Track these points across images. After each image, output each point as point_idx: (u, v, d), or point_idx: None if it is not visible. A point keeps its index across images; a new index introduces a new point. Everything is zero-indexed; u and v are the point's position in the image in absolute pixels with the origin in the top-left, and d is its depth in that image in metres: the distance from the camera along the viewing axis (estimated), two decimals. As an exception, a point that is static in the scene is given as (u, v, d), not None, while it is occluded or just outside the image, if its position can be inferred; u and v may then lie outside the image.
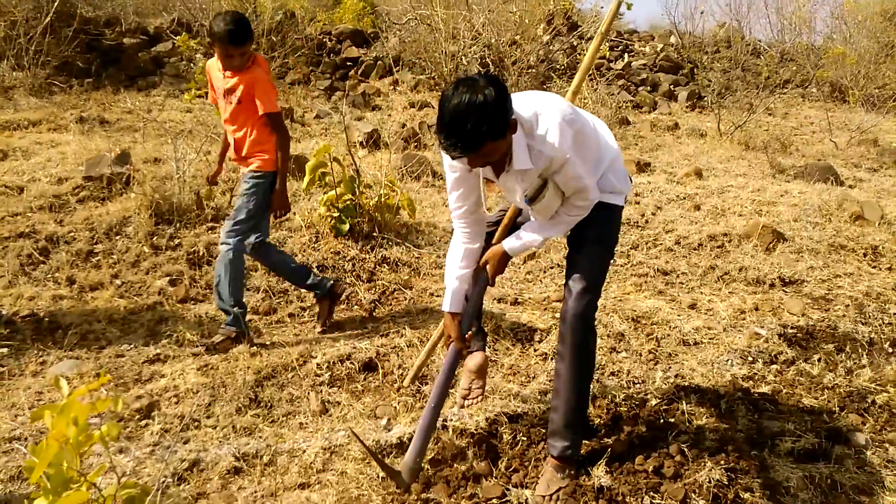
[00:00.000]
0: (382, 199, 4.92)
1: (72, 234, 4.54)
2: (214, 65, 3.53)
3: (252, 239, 3.60)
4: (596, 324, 3.56)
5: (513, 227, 2.78)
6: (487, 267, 2.64)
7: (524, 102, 2.31)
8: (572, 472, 2.54)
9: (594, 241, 2.56)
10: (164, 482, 2.50)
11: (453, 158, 2.27)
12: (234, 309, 3.56)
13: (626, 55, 13.00)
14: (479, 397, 2.82)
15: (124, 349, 3.50)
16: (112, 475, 2.53)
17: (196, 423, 2.93)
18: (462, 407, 2.92)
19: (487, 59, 10.35)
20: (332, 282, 3.94)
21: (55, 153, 6.04)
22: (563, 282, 2.61)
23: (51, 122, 7.28)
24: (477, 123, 2.11)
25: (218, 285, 3.55)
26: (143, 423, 2.92)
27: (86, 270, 4.25)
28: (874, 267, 5.05)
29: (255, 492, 2.54)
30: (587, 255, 2.55)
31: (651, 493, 2.45)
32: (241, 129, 3.54)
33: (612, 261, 2.71)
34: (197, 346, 3.55)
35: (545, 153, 2.28)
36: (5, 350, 3.45)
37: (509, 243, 2.59)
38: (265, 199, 3.56)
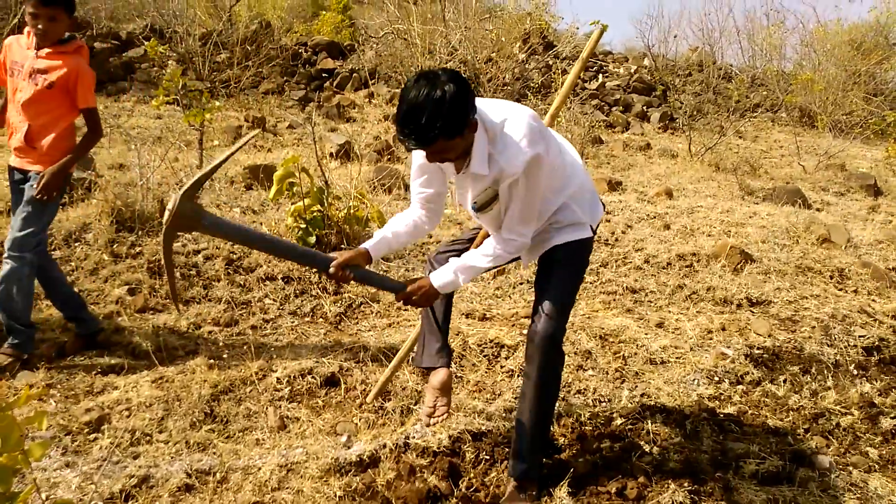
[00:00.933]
0: (351, 211, 4.85)
1: (28, 239, 4.39)
2: (19, 39, 3.26)
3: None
4: (564, 341, 3.54)
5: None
6: (409, 288, 2.50)
7: (496, 108, 2.27)
8: (534, 492, 2.49)
9: (564, 263, 2.52)
10: (107, 498, 2.39)
11: (408, 150, 2.24)
12: (27, 329, 3.30)
13: (600, 75, 13.14)
14: (444, 415, 2.76)
15: (77, 359, 3.37)
16: (58, 490, 2.43)
17: (147, 438, 2.82)
18: (428, 426, 2.85)
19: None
20: (100, 325, 3.62)
21: (16, 156, 5.88)
22: (533, 300, 2.56)
23: (14, 124, 7.10)
24: (431, 119, 2.07)
25: (7, 302, 3.22)
26: (93, 436, 2.81)
27: (41, 277, 4.11)
28: (840, 289, 5.10)
29: (206, 510, 2.45)
30: (556, 277, 2.51)
31: (614, 516, 2.41)
32: (40, 117, 3.20)
33: (580, 284, 2.67)
34: None
35: (500, 163, 2.24)
36: (-50, 358, 3.31)
37: (437, 278, 2.47)
38: (58, 204, 3.30)
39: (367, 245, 2.49)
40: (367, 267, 2.49)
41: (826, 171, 9.53)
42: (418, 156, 2.46)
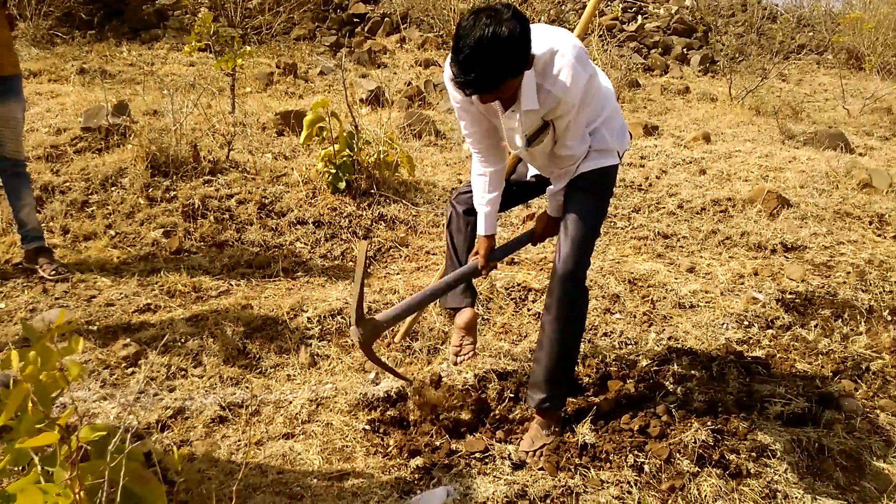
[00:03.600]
0: (381, 156, 4.85)
1: (67, 184, 4.51)
2: None
3: None
4: (591, 284, 3.53)
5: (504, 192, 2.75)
6: (536, 224, 2.70)
7: (538, 37, 2.18)
8: (557, 428, 2.53)
9: (585, 197, 2.49)
10: (142, 426, 2.50)
11: (467, 94, 2.16)
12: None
13: (639, 17, 12.72)
14: (471, 353, 2.80)
15: (114, 298, 3.49)
16: (97, 420, 2.54)
17: (183, 373, 2.93)
18: (454, 364, 2.90)
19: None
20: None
21: (55, 104, 5.99)
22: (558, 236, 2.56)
23: (52, 72, 7.21)
24: (499, 60, 1.99)
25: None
26: (130, 370, 2.92)
27: (80, 220, 4.23)
28: (879, 235, 4.96)
29: (239, 440, 2.54)
30: (578, 212, 2.48)
31: (635, 452, 2.44)
32: None
33: (604, 218, 2.65)
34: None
35: (554, 94, 2.17)
36: (-3, 297, 3.46)
37: (552, 209, 2.62)
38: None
39: (484, 231, 2.59)
40: (493, 235, 2.64)
41: (871, 115, 9.17)
42: (454, 100, 2.41)
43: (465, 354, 2.80)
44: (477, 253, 2.63)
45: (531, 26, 2.17)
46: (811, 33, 12.09)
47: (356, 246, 2.58)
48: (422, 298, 2.59)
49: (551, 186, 2.58)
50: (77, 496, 1.56)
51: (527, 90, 2.19)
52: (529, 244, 2.83)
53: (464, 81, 2.05)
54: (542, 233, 2.74)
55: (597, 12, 2.81)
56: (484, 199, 2.58)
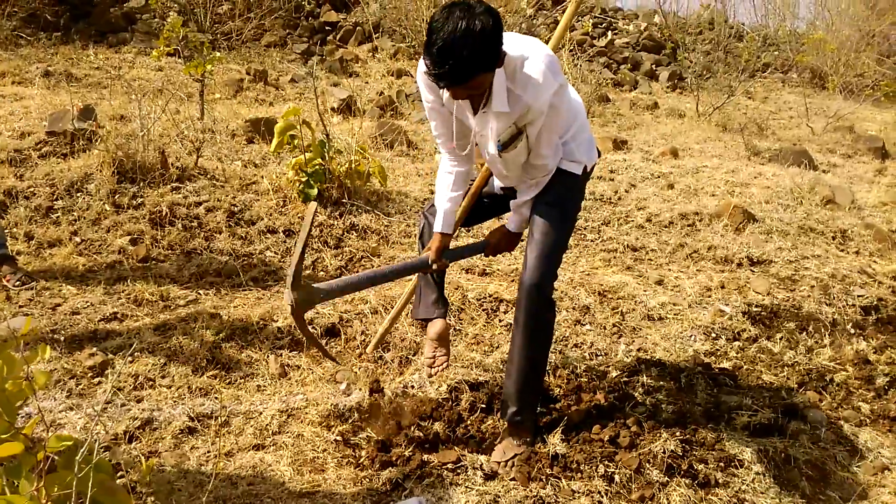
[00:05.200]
0: (353, 166, 4.84)
1: (31, 189, 4.41)
2: None
3: None
4: (561, 296, 3.56)
5: (476, 205, 2.76)
6: (490, 238, 2.68)
7: (512, 43, 2.21)
8: (528, 439, 2.54)
9: (551, 209, 2.51)
10: (109, 437, 2.44)
11: (440, 87, 2.16)
12: None
13: (609, 32, 12.91)
14: (444, 365, 2.80)
15: (80, 306, 3.41)
16: (63, 430, 2.48)
17: (150, 383, 2.87)
18: (429, 376, 2.90)
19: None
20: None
21: (18, 107, 5.85)
22: (525, 249, 2.58)
23: (15, 74, 7.05)
24: (473, 52, 2.01)
25: None
26: (96, 380, 2.86)
27: (45, 227, 4.14)
28: (842, 250, 5.09)
29: (209, 451, 2.50)
30: (545, 225, 2.50)
31: (606, 462, 2.46)
32: None
33: (572, 229, 2.67)
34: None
35: (524, 99, 2.20)
36: (-44, 304, 3.36)
37: (512, 224, 2.63)
38: None
39: (441, 229, 2.56)
40: (449, 234, 2.60)
41: (834, 133, 9.43)
42: (426, 101, 2.42)
43: (438, 366, 2.80)
44: (428, 249, 2.60)
45: (506, 34, 2.20)
46: (776, 52, 12.38)
47: (306, 208, 2.53)
48: (365, 279, 2.53)
49: (515, 200, 2.59)
50: (43, 508, 1.52)
51: (498, 91, 2.21)
52: (482, 254, 2.80)
53: (437, 73, 2.06)
54: (495, 245, 2.72)
55: (568, 28, 2.85)
56: (446, 195, 2.59)
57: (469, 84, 2.09)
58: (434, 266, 2.58)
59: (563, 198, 2.52)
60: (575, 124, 2.51)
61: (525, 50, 2.20)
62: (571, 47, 10.12)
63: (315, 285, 2.40)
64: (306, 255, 2.45)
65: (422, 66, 2.17)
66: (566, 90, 2.36)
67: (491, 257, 2.84)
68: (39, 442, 1.63)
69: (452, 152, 2.55)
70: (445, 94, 2.30)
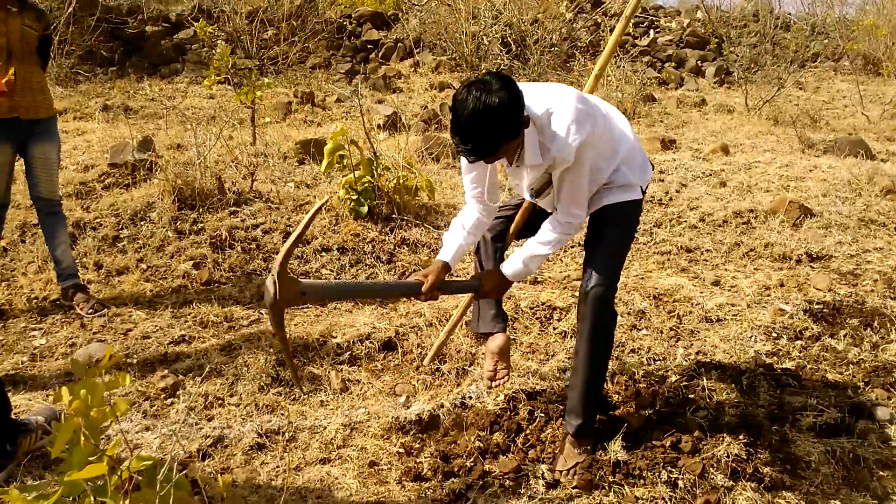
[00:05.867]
0: (401, 181, 4.92)
1: (98, 220, 4.63)
2: None
3: None
4: (616, 301, 3.55)
5: (528, 221, 2.80)
6: (482, 280, 2.65)
7: (536, 98, 2.29)
8: (589, 447, 2.55)
9: (614, 222, 2.55)
10: (186, 456, 2.55)
11: (469, 162, 2.30)
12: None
13: (651, 31, 12.79)
14: (506, 378, 2.83)
15: (150, 331, 3.57)
16: (140, 451, 2.60)
17: (220, 402, 2.99)
18: (489, 388, 2.94)
19: (509, 39, 10.27)
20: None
21: (81, 141, 6.15)
22: (584, 260, 2.60)
23: (76, 110, 7.41)
24: (493, 127, 2.12)
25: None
26: (169, 401, 2.99)
27: (112, 255, 4.34)
28: (905, 241, 4.93)
29: (278, 466, 2.59)
30: (607, 238, 2.54)
31: (668, 468, 2.45)
32: None
33: (631, 242, 2.69)
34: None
35: (552, 152, 2.29)
36: (37, 333, 3.55)
37: (509, 268, 2.60)
38: None
39: (444, 258, 2.60)
40: (447, 263, 2.60)
41: (891, 121, 9.13)
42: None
43: (500, 379, 2.82)
44: (424, 275, 2.54)
45: (529, 85, 2.32)
46: (826, 41, 12.07)
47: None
48: (354, 289, 2.57)
49: (532, 240, 2.58)
50: (129, 526, 1.62)
51: (530, 146, 2.31)
52: (472, 292, 2.73)
53: (464, 150, 2.18)
54: (486, 291, 2.65)
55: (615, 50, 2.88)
56: (462, 231, 2.65)
57: (496, 154, 2.20)
58: (423, 297, 2.53)
59: (620, 219, 2.55)
60: (621, 151, 2.53)
61: (551, 104, 2.28)
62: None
63: (302, 281, 2.34)
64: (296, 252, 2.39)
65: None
66: (599, 129, 2.37)
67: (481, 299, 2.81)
68: (121, 462, 1.73)
69: (481, 203, 2.64)
70: None
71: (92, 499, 1.66)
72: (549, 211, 2.63)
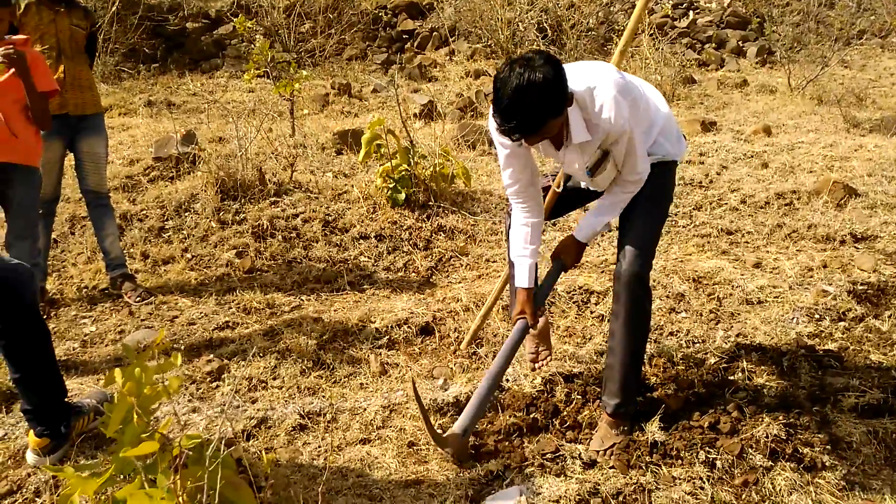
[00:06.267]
0: (437, 169, 4.96)
1: (144, 211, 4.77)
2: None
3: None
4: (654, 284, 3.54)
5: (560, 198, 2.80)
6: (562, 257, 2.67)
7: (575, 76, 2.28)
8: (626, 427, 2.56)
9: (647, 199, 2.54)
10: (231, 436, 2.64)
11: (513, 140, 2.26)
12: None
13: (690, 12, 12.55)
14: (548, 359, 2.85)
15: (195, 317, 3.68)
16: (188, 431, 2.70)
17: (263, 384, 3.08)
18: (533, 370, 2.96)
19: (545, 24, 10.20)
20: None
21: (126, 136, 6.34)
22: (618, 237, 2.60)
23: (121, 106, 7.62)
24: (538, 103, 2.09)
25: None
26: (214, 384, 3.09)
27: (158, 245, 4.48)
28: (956, 220, 4.78)
29: (320, 446, 2.66)
30: (641, 215, 2.54)
31: (706, 448, 2.44)
32: None
33: (666, 219, 2.68)
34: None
35: (602, 127, 2.27)
36: (87, 321, 3.70)
37: (581, 232, 2.62)
38: None
39: (524, 284, 2.61)
40: (532, 288, 2.65)
41: (944, 97, 8.83)
42: (503, 146, 2.48)
43: (542, 360, 2.84)
44: (522, 312, 2.61)
45: (568, 65, 2.28)
46: (872, 17, 11.68)
47: (412, 379, 2.63)
48: (487, 390, 2.55)
49: (597, 202, 2.60)
50: (179, 500, 1.69)
51: (575, 124, 2.28)
52: (562, 273, 2.80)
53: (508, 128, 2.15)
54: (570, 264, 2.71)
55: (646, 12, 2.86)
56: (527, 250, 2.63)
57: (541, 131, 2.18)
58: (533, 330, 2.65)
59: (657, 188, 2.54)
60: (659, 120, 2.52)
61: (591, 80, 2.26)
62: (651, 31, 9.91)
63: (453, 431, 2.49)
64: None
65: (492, 122, 2.25)
66: (639, 97, 2.39)
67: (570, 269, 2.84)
68: (170, 441, 1.81)
69: (526, 201, 2.61)
70: None
71: (143, 476, 1.75)
72: (601, 190, 2.62)
